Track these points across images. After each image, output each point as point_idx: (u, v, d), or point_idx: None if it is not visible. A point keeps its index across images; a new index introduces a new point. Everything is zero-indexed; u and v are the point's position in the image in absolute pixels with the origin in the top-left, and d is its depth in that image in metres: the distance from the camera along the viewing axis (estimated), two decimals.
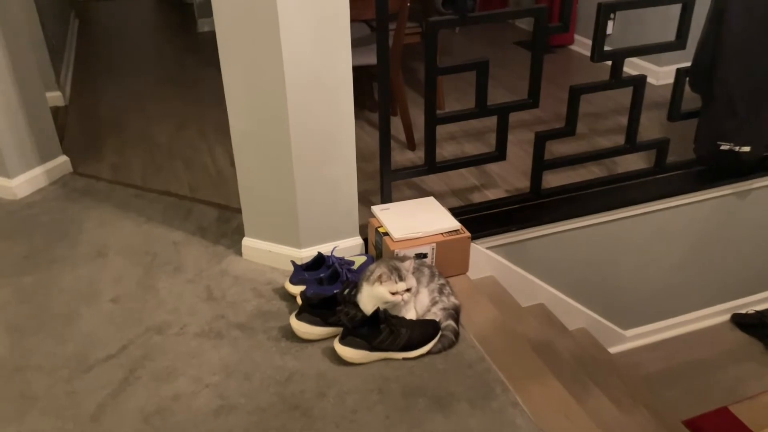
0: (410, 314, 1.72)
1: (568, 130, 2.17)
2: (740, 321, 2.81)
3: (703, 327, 2.81)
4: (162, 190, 2.54)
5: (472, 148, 2.75)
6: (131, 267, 2.08)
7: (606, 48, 2.08)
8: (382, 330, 1.63)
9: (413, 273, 1.71)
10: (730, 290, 2.84)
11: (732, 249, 2.68)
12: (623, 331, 2.69)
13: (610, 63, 2.14)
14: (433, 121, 2.01)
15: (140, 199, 2.48)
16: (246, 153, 1.94)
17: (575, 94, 2.12)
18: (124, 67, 3.94)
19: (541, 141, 2.16)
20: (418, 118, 2.79)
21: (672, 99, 2.28)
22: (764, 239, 2.72)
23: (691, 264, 2.65)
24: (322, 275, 1.87)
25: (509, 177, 2.54)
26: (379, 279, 1.66)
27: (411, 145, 2.75)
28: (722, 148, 2.31)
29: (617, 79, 2.14)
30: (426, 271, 1.80)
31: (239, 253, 2.12)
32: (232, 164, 2.74)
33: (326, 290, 1.81)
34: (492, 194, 2.44)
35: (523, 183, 2.51)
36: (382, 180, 2.05)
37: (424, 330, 1.69)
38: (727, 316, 2.85)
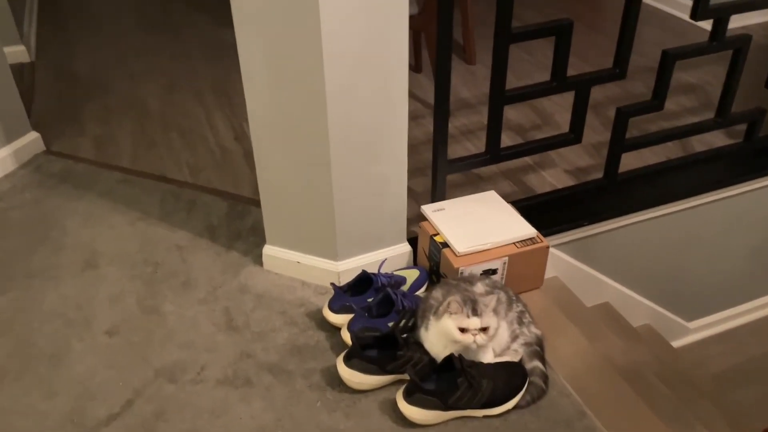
0: (487, 356, 1.38)
1: (656, 104, 1.79)
2: None
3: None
4: (157, 175, 2.13)
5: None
6: (129, 282, 1.70)
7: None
8: (459, 385, 1.29)
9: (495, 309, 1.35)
10: None
11: None
12: (687, 323, 2.40)
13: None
14: (500, 99, 1.61)
15: (131, 186, 2.07)
16: (269, 146, 1.53)
17: (669, 60, 1.72)
18: (97, 12, 3.41)
19: (623, 118, 1.77)
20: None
21: None
22: None
23: (763, 250, 2.33)
24: (369, 300, 1.51)
25: (568, 153, 2.16)
26: (448, 309, 1.31)
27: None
28: None
29: (719, 40, 1.74)
30: (502, 296, 1.45)
31: (258, 261, 1.75)
32: (236, 137, 2.33)
33: (378, 324, 1.45)
34: (551, 176, 2.07)
35: (585, 160, 2.14)
36: (436, 173, 1.66)
37: (509, 379, 1.35)
38: None
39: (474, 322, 1.31)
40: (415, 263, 1.72)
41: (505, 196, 1.76)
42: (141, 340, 1.54)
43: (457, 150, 2.16)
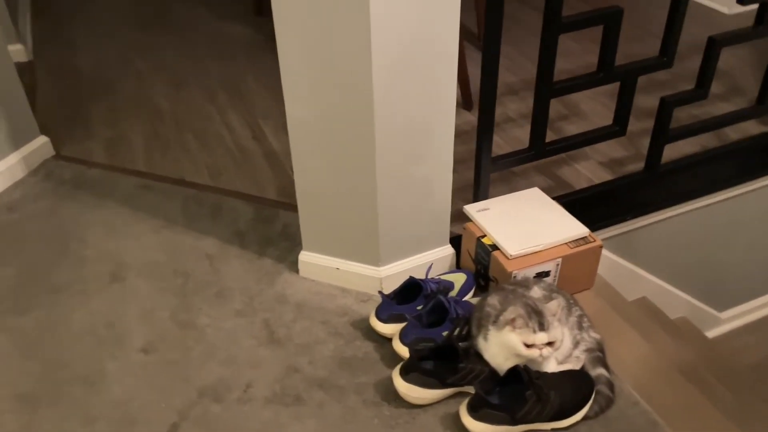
0: (551, 365, 1.32)
1: (702, 93, 1.72)
2: None
3: None
4: (176, 178, 2.04)
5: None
6: (160, 295, 1.62)
7: None
8: (528, 398, 1.23)
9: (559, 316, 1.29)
10: None
11: None
12: (719, 314, 2.36)
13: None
14: (548, 91, 1.54)
15: (150, 191, 1.98)
16: (308, 148, 1.45)
17: (715, 46, 1.65)
18: (92, 7, 3.28)
19: (668, 108, 1.71)
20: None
21: None
22: None
23: None
24: (418, 308, 1.44)
25: (601, 145, 2.09)
26: (512, 324, 1.24)
27: (468, 103, 2.27)
28: None
29: (766, 24, 1.68)
30: (562, 301, 1.38)
31: (293, 268, 1.67)
32: (254, 137, 2.24)
33: (432, 334, 1.39)
34: (585, 169, 2.01)
35: (619, 152, 2.08)
36: (479, 171, 1.59)
37: (576, 389, 1.29)
38: None
39: (541, 338, 1.24)
40: (458, 266, 1.65)
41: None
42: (179, 357, 1.46)
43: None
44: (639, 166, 2.01)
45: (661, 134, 1.74)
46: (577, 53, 2.32)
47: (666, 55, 1.61)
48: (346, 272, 1.59)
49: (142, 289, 1.64)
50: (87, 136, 2.26)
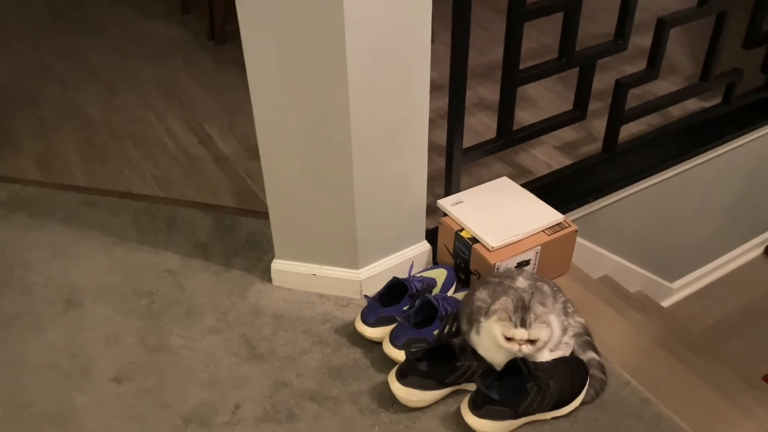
0: (544, 355, 1.32)
1: (653, 73, 1.77)
2: None
3: (739, 265, 2.63)
4: (122, 191, 1.91)
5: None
6: (123, 319, 1.51)
7: None
8: (529, 390, 1.22)
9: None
10: (762, 222, 2.65)
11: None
12: (670, 284, 2.45)
13: None
14: (515, 80, 1.53)
15: (95, 207, 1.84)
16: (279, 152, 1.39)
17: (665, 27, 1.69)
18: (1, 11, 3.04)
19: (624, 90, 1.74)
20: None
21: (752, 19, 1.90)
22: None
23: (737, 205, 2.41)
24: (405, 309, 1.41)
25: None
26: (497, 314, 1.23)
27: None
28: None
29: (710, 4, 1.73)
30: (546, 289, 1.38)
31: (265, 277, 1.60)
32: (200, 141, 2.14)
33: (424, 334, 1.36)
34: (542, 153, 2.03)
35: (571, 135, 2.10)
36: (451, 164, 1.57)
37: (572, 376, 1.30)
38: (760, 250, 2.68)
39: (520, 333, 1.23)
40: (434, 262, 1.63)
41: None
42: (155, 383, 1.37)
43: (440, 135, 2.07)
44: (592, 147, 2.05)
45: (618, 115, 1.77)
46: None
47: (622, 38, 1.64)
48: (324, 278, 1.53)
49: (102, 313, 1.53)
50: (14, 152, 2.08)
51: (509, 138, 1.63)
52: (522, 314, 1.24)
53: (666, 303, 2.45)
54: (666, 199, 2.09)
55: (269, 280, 1.59)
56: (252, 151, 2.06)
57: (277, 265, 1.57)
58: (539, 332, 1.25)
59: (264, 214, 1.63)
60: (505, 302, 1.24)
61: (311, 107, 1.29)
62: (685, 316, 2.41)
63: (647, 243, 2.22)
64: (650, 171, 1.90)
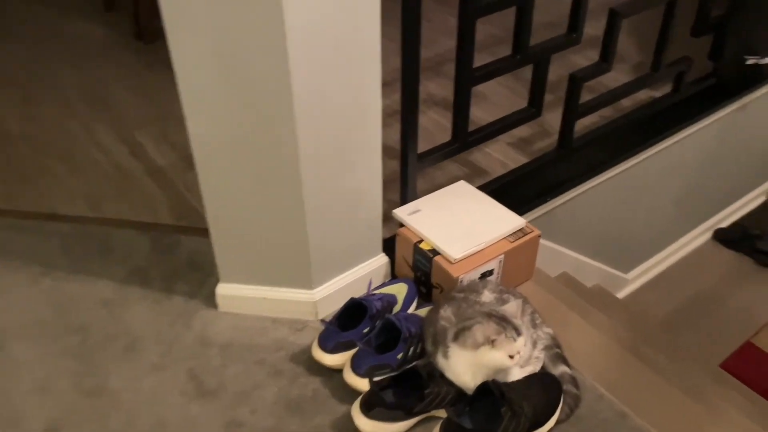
0: (515, 372, 1.25)
1: (606, 66, 1.72)
2: (723, 237, 2.67)
3: (690, 251, 2.64)
4: (47, 213, 1.74)
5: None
6: (54, 360, 1.36)
7: None
8: (503, 415, 1.15)
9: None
10: (709, 207, 2.67)
11: (720, 166, 2.47)
12: (625, 275, 2.44)
13: None
14: (470, 79, 1.44)
15: (18, 232, 1.67)
16: (218, 167, 1.27)
17: (617, 18, 1.64)
18: None
19: (578, 83, 1.68)
20: None
21: (701, 7, 1.87)
22: (746, 149, 2.54)
23: (688, 192, 2.41)
24: (365, 331, 1.31)
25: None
26: (491, 342, 1.15)
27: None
28: (748, 62, 1.99)
29: None
30: (519, 301, 1.31)
31: (210, 303, 1.48)
32: (132, 153, 1.98)
33: (387, 360, 1.26)
34: (496, 151, 1.96)
35: (524, 131, 2.04)
36: (406, 171, 1.47)
37: (545, 394, 1.23)
38: (708, 235, 2.70)
39: (520, 342, 1.17)
40: (392, 274, 1.54)
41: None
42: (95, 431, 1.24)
43: (390, 135, 1.98)
44: (546, 142, 2.00)
45: (573, 110, 1.72)
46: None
47: (575, 31, 1.58)
48: (275, 300, 1.42)
49: (29, 356, 1.37)
50: None
51: (465, 140, 1.55)
52: (511, 326, 1.18)
53: (621, 294, 2.44)
54: (620, 191, 2.06)
55: (215, 305, 1.47)
56: (189, 161, 1.90)
57: (223, 289, 1.45)
58: (525, 332, 1.20)
59: (205, 231, 1.51)
60: (488, 328, 1.17)
61: (252, 119, 1.17)
62: (641, 307, 2.41)
63: (602, 236, 2.19)
64: (606, 165, 1.86)
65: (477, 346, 1.16)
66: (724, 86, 2.10)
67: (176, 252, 1.61)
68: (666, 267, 2.57)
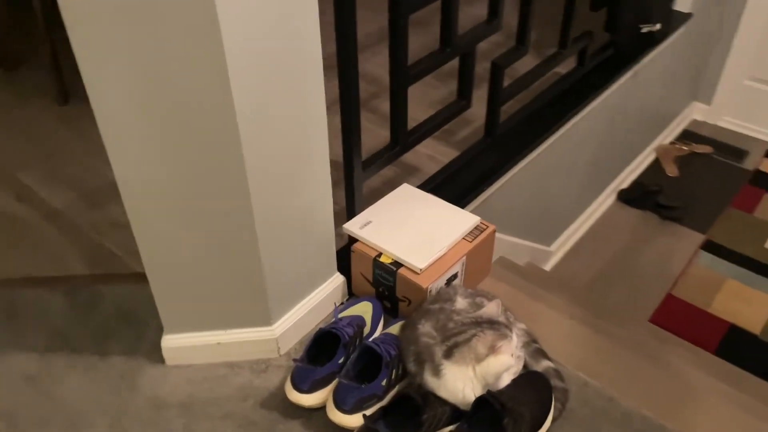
0: (505, 378, 1.20)
1: (524, 50, 1.70)
2: (626, 197, 2.80)
3: (600, 215, 2.75)
4: None
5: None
6: None
7: None
8: (506, 426, 1.10)
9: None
10: (612, 171, 2.79)
11: (619, 132, 2.58)
12: (548, 248, 2.49)
13: None
14: (404, 79, 1.37)
15: None
16: (155, 212, 1.11)
17: (531, 2, 1.63)
18: None
19: (500, 70, 1.66)
20: None
21: None
22: (639, 110, 2.67)
23: (596, 160, 2.50)
24: (341, 362, 1.22)
25: (416, 114, 2.00)
26: (495, 350, 1.11)
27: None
28: (643, 30, 2.07)
29: None
30: (492, 302, 1.27)
31: (154, 358, 1.31)
32: (19, 198, 1.73)
33: (373, 390, 1.17)
34: (422, 146, 1.90)
35: None
36: (351, 182, 1.38)
37: (538, 395, 1.20)
38: (614, 197, 2.82)
39: (515, 339, 1.16)
40: (349, 292, 1.44)
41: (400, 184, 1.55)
42: None
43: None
44: (468, 131, 1.97)
45: (496, 97, 1.69)
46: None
47: (496, 17, 1.54)
48: (231, 344, 1.29)
49: None
50: None
51: (406, 141, 1.47)
52: (501, 324, 1.15)
53: (548, 266, 2.49)
54: (539, 169, 2.08)
55: (161, 360, 1.31)
56: (90, 198, 1.71)
57: (169, 341, 1.29)
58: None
59: (130, 277, 1.35)
60: (488, 338, 1.12)
61: (190, 149, 1.03)
62: (569, 275, 2.47)
63: (527, 215, 2.21)
64: (530, 147, 1.86)
65: (481, 358, 1.11)
66: (621, 55, 2.17)
67: (99, 306, 1.42)
68: (582, 234, 2.65)
